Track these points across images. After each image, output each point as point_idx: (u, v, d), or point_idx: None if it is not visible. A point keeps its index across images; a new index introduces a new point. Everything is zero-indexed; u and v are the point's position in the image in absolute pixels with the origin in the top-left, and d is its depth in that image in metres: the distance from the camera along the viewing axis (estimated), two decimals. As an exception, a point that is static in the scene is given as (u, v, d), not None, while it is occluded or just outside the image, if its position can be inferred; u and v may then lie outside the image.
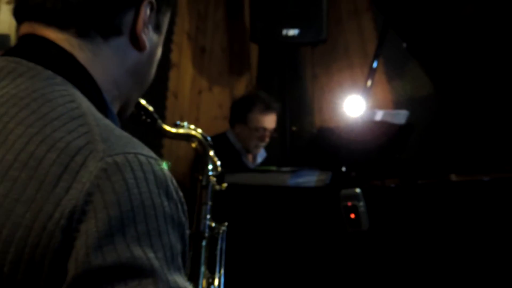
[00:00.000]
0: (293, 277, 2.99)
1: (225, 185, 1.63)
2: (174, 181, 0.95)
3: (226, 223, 1.62)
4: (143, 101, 1.39)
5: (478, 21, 3.33)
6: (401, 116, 3.81)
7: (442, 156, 4.13)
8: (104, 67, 1.08)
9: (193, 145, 1.58)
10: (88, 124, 0.93)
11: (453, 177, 3.01)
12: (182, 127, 1.55)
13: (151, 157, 0.93)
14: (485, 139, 3.73)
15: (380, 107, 4.41)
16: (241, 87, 5.39)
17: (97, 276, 0.84)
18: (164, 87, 4.88)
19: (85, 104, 0.98)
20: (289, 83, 5.15)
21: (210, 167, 1.59)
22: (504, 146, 3.73)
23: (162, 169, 0.93)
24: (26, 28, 1.08)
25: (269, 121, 4.26)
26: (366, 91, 3.23)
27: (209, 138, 1.60)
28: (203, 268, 1.54)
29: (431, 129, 4.40)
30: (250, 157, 4.36)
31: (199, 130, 1.58)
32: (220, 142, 4.25)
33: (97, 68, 1.07)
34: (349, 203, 2.72)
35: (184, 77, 5.07)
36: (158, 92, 4.76)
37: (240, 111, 4.31)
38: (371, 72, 3.29)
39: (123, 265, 0.84)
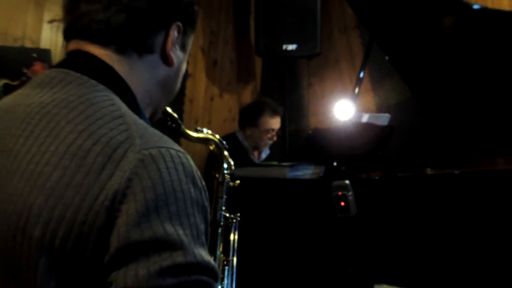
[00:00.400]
0: (291, 255, 3.00)
1: (238, 182, 1.64)
2: (198, 172, 0.97)
3: (238, 214, 1.63)
4: (169, 109, 1.39)
5: (450, 37, 3.34)
6: (383, 119, 3.82)
7: (419, 153, 4.14)
8: (139, 79, 1.10)
9: (211, 147, 1.58)
10: (126, 123, 0.95)
11: (429, 171, 3.03)
12: (202, 132, 1.55)
13: (180, 151, 0.95)
14: (457, 137, 3.73)
15: (365, 111, 4.42)
16: (247, 94, 5.40)
17: (136, 249, 0.85)
18: (182, 94, 4.87)
19: (124, 107, 1.01)
20: (288, 90, 5.14)
21: (225, 165, 1.60)
22: (473, 143, 3.75)
23: (189, 161, 0.95)
24: (74, 45, 1.10)
25: (276, 123, 4.30)
26: (354, 97, 3.23)
27: (224, 142, 1.59)
28: (218, 252, 1.54)
29: (410, 130, 4.39)
30: (255, 154, 4.38)
31: (217, 136, 1.58)
32: (230, 141, 4.23)
33: (133, 80, 1.09)
34: (340, 193, 2.72)
35: (199, 85, 5.06)
36: (176, 98, 4.69)
37: (252, 116, 4.32)
38: (358, 81, 3.28)
39: (158, 239, 0.86)
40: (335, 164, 2.96)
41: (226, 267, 1.55)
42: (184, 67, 1.21)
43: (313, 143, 3.75)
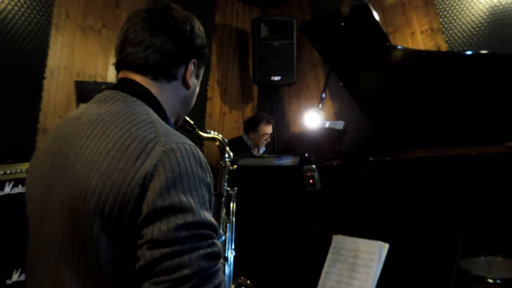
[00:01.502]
0: (276, 217, 3.00)
1: (235, 166, 1.60)
2: (205, 159, 0.97)
3: (236, 188, 1.60)
4: (187, 118, 1.36)
5: (382, 68, 3.34)
6: (339, 124, 3.83)
7: (365, 147, 4.14)
8: (167, 97, 1.10)
9: (216, 143, 1.55)
10: (155, 126, 0.96)
11: (371, 159, 3.02)
12: (210, 133, 1.53)
13: (192, 145, 0.96)
14: (390, 136, 3.74)
15: (327, 119, 4.43)
16: (248, 110, 5.38)
17: (159, 212, 0.86)
18: (203, 111, 4.87)
19: (155, 116, 1.01)
20: (276, 108, 5.14)
21: (226, 155, 1.57)
22: (401, 139, 3.75)
23: (198, 152, 0.96)
24: (122, 74, 1.11)
25: (270, 129, 4.32)
26: (319, 111, 3.24)
27: (225, 140, 1.57)
28: (223, 214, 1.53)
29: (357, 131, 4.40)
30: (256, 150, 4.38)
31: (220, 135, 1.56)
32: (238, 142, 4.33)
33: (162, 98, 1.09)
34: (309, 174, 2.71)
35: (215, 105, 5.04)
36: (200, 114, 4.78)
37: (253, 124, 4.34)
38: (321, 99, 3.29)
39: (175, 205, 0.87)
40: (306, 155, 2.95)
41: (228, 224, 1.54)
42: (197, 89, 1.21)
43: (292, 142, 3.74)
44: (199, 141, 4.61)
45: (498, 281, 2.67)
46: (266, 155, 4.11)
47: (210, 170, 0.98)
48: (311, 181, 2.69)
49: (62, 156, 0.99)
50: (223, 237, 1.46)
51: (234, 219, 1.55)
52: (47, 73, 3.40)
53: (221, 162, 1.57)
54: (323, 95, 3.32)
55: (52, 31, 3.41)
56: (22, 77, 3.23)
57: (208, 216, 0.91)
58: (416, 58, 3.21)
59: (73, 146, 0.98)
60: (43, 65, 3.37)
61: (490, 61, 2.89)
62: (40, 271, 0.99)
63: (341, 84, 3.90)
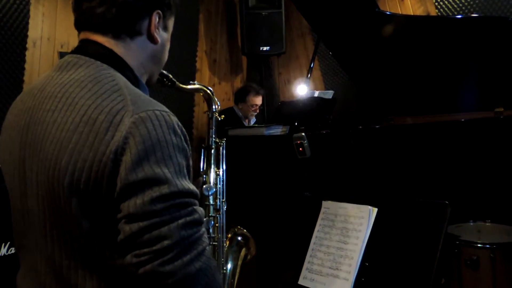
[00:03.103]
0: (267, 184, 3.01)
1: (223, 116, 1.52)
2: (179, 124, 0.93)
3: (224, 139, 1.53)
4: (165, 72, 1.28)
5: (370, 37, 3.31)
6: (329, 94, 3.79)
7: (354, 116, 4.14)
8: (133, 56, 1.04)
9: (201, 93, 1.47)
10: (123, 94, 0.91)
11: (360, 127, 3.01)
12: (194, 84, 1.44)
13: (163, 111, 0.91)
14: (378, 104, 3.74)
15: (316, 89, 4.41)
16: (237, 82, 5.32)
17: (133, 186, 0.84)
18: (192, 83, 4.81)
19: (122, 81, 0.95)
20: (265, 78, 5.09)
21: (213, 106, 1.49)
22: (390, 108, 3.75)
23: (170, 117, 0.91)
24: (82, 35, 1.04)
25: (259, 100, 4.28)
26: (308, 80, 3.21)
27: (210, 88, 1.48)
28: (213, 166, 1.47)
29: (346, 100, 4.39)
30: (246, 121, 4.36)
31: (205, 86, 1.47)
32: (229, 112, 4.31)
33: (129, 57, 1.03)
34: (298, 141, 2.71)
35: (204, 76, 4.98)
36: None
37: (242, 95, 4.29)
38: (310, 69, 3.26)
39: (148, 178, 0.84)
40: (296, 124, 2.94)
41: (219, 176, 1.48)
42: (168, 43, 1.13)
43: (281, 111, 3.73)
44: (190, 119, 4.62)
45: (487, 246, 2.71)
46: (256, 125, 4.10)
47: (186, 134, 0.94)
48: (300, 149, 2.69)
49: (31, 132, 0.96)
50: (214, 189, 1.41)
51: (224, 170, 1.50)
52: (29, 44, 3.32)
53: (208, 113, 1.49)
54: (312, 65, 3.28)
55: (32, 0, 3.31)
56: (3, 49, 3.15)
57: (186, 183, 0.89)
58: (406, 24, 3.17)
59: (39, 122, 0.95)
60: (25, 36, 3.28)
61: (480, 25, 2.86)
62: (30, 247, 0.99)
63: (330, 53, 3.86)
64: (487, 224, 3.08)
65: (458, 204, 2.61)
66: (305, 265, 1.79)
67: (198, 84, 1.44)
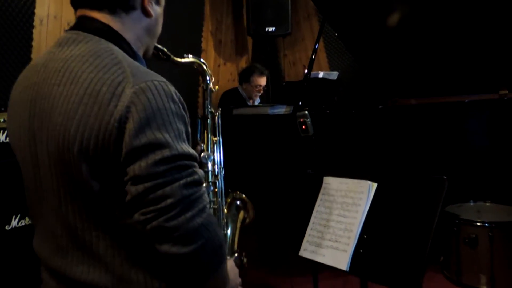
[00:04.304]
0: (270, 161, 3.05)
1: (217, 87, 1.54)
2: (177, 93, 0.98)
3: (219, 109, 1.55)
4: (159, 46, 1.30)
5: (375, 20, 3.31)
6: (334, 75, 3.80)
7: (359, 98, 4.16)
8: (129, 30, 1.08)
9: (195, 66, 1.49)
10: (123, 67, 0.96)
11: (354, 111, 3.04)
12: (188, 57, 1.45)
13: (161, 81, 0.96)
14: (383, 85, 3.75)
15: (321, 69, 4.42)
16: (242, 63, 5.33)
17: (137, 151, 0.90)
18: (198, 63, 4.83)
19: (120, 54, 1.00)
20: (270, 59, 5.09)
21: (208, 78, 1.51)
22: (394, 90, 3.76)
23: (168, 86, 0.96)
24: (79, 12, 1.08)
25: (263, 80, 4.25)
26: (312, 61, 3.22)
27: (204, 61, 1.50)
28: (209, 135, 1.51)
29: (351, 82, 4.40)
30: (251, 101, 4.38)
31: (198, 58, 1.49)
32: (233, 92, 4.32)
33: (125, 31, 1.07)
34: (302, 120, 2.73)
35: (209, 57, 5.00)
36: (194, 67, 4.75)
37: (246, 75, 4.28)
38: (315, 50, 3.27)
39: (151, 143, 0.90)
40: (300, 103, 2.96)
41: (215, 144, 1.51)
42: (161, 16, 1.17)
43: (285, 92, 3.75)
44: (195, 99, 4.64)
45: (486, 224, 2.76)
46: (261, 105, 4.13)
47: (183, 102, 0.99)
48: (303, 127, 2.72)
49: (38, 107, 1.00)
50: (212, 157, 1.45)
51: (220, 138, 1.53)
52: (36, 22, 3.35)
53: (202, 85, 1.52)
54: (317, 46, 3.29)
55: (39, -23, 3.35)
56: (10, 26, 3.19)
57: (185, 147, 0.94)
58: (413, 2, 3.16)
59: (46, 96, 0.99)
60: (32, 13, 3.31)
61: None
62: (45, 213, 1.04)
63: (336, 34, 3.86)
64: (487, 204, 3.13)
65: (459, 184, 2.66)
66: (306, 237, 1.84)
67: (192, 58, 1.47)
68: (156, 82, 0.94)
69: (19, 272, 2.42)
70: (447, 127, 3.01)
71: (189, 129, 1.00)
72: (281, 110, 3.12)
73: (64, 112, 0.94)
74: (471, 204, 3.16)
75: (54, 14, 3.47)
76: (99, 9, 1.04)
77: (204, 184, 0.97)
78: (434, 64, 3.35)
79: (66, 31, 1.07)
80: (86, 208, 0.97)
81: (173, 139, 0.92)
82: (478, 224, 2.79)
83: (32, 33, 3.33)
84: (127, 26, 1.07)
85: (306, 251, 1.82)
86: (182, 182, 0.90)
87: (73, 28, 1.05)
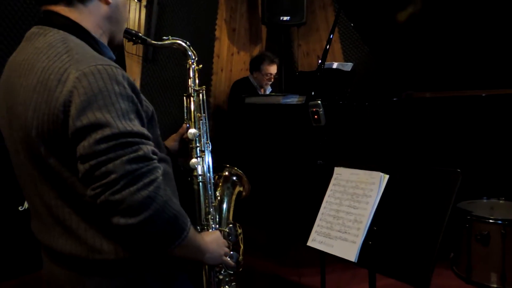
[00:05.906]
0: (282, 152, 3.03)
1: (201, 66, 1.56)
2: (125, 74, 1.04)
3: (204, 87, 1.56)
4: (130, 30, 1.36)
5: (392, 13, 3.26)
6: (348, 66, 3.76)
7: (368, 90, 4.12)
8: (88, 19, 1.14)
9: (175, 46, 1.51)
10: (71, 55, 1.02)
11: (367, 103, 3.01)
12: (168, 39, 1.49)
13: (106, 64, 1.02)
14: (398, 78, 3.71)
15: (335, 60, 4.38)
16: (256, 52, 5.27)
17: (80, 131, 0.96)
18: (211, 51, 4.81)
19: (73, 43, 1.06)
20: (284, 49, 5.06)
21: (191, 55, 1.53)
22: (409, 83, 3.72)
23: (112, 70, 1.02)
24: (43, 7, 1.14)
25: (273, 69, 4.24)
26: (326, 52, 3.19)
27: (185, 41, 1.52)
28: (195, 112, 1.52)
29: (366, 73, 4.35)
30: (262, 90, 4.36)
31: (179, 39, 1.51)
32: (244, 81, 4.30)
33: (84, 21, 1.13)
34: (314, 109, 2.71)
35: (223, 45, 4.97)
36: (208, 55, 4.73)
37: (257, 64, 4.27)
38: (329, 40, 3.23)
39: (92, 123, 0.96)
40: (313, 94, 2.94)
41: (201, 121, 1.53)
42: (124, 3, 1.21)
43: (298, 81, 3.72)
44: (207, 87, 4.64)
45: (499, 221, 2.72)
46: (273, 94, 4.10)
47: (132, 83, 1.04)
48: (316, 116, 2.69)
49: (10, 98, 1.09)
50: (198, 133, 1.49)
51: (206, 115, 1.54)
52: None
53: (185, 64, 1.53)
54: (331, 36, 3.26)
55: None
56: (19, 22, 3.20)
57: (129, 125, 0.99)
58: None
59: (14, 88, 1.08)
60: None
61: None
62: (32, 196, 1.14)
63: (352, 25, 3.81)
64: (501, 201, 3.08)
65: (473, 181, 2.61)
66: (315, 228, 1.83)
67: (171, 39, 1.50)
68: (99, 66, 1.00)
69: (31, 251, 2.47)
70: (462, 122, 2.96)
71: (141, 108, 1.05)
72: (294, 99, 3.10)
73: (24, 101, 1.04)
74: (484, 201, 3.11)
75: None
76: (57, 3, 1.11)
77: (155, 159, 1.02)
78: (450, 58, 3.30)
79: (34, 26, 1.14)
80: (56, 187, 1.06)
81: (115, 119, 0.97)
82: (490, 221, 2.75)
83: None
84: (85, 16, 1.13)
85: (315, 241, 1.80)
86: (125, 158, 0.96)
87: (38, 23, 1.13)
